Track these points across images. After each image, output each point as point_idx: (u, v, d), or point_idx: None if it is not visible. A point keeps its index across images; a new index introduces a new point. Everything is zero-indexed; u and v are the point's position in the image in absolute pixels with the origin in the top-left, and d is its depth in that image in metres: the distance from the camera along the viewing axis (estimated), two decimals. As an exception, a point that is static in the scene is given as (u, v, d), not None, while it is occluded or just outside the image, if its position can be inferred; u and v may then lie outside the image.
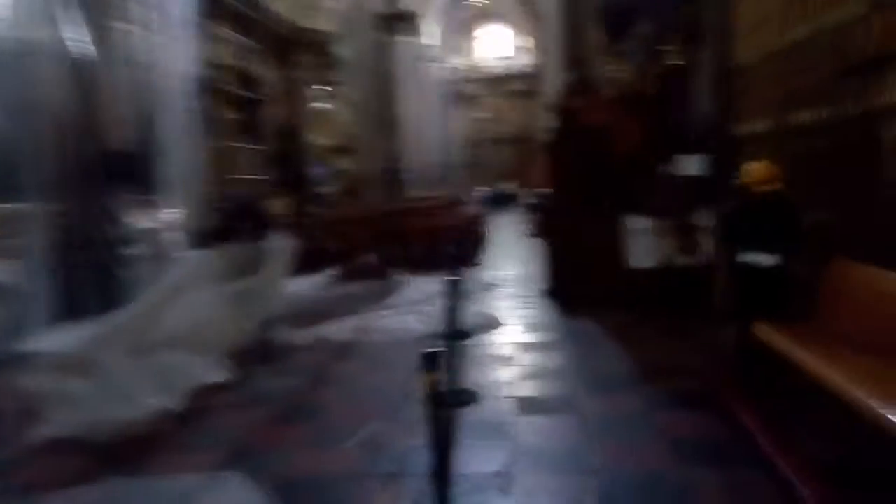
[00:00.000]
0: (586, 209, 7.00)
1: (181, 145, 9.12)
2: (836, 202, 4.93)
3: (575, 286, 7.01)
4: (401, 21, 12.95)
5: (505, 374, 4.84)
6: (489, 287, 8.55)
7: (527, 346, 5.50)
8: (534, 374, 4.76)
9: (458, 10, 33.26)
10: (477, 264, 10.88)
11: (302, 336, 6.13)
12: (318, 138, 21.37)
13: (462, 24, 34.85)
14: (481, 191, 29.52)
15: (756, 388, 3.96)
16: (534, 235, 10.05)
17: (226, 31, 11.29)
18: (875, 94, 4.41)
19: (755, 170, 4.12)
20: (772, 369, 3.79)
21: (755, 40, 6.17)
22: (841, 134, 4.83)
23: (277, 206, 13.64)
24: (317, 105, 19.96)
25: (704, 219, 6.10)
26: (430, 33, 31.74)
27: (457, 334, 6.12)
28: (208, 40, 10.71)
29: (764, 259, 3.86)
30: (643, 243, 6.28)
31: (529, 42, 32.08)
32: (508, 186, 30.85)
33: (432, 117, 31.44)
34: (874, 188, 4.67)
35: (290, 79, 15.72)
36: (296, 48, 15.49)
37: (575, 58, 7.65)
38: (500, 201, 29.79)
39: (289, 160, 15.02)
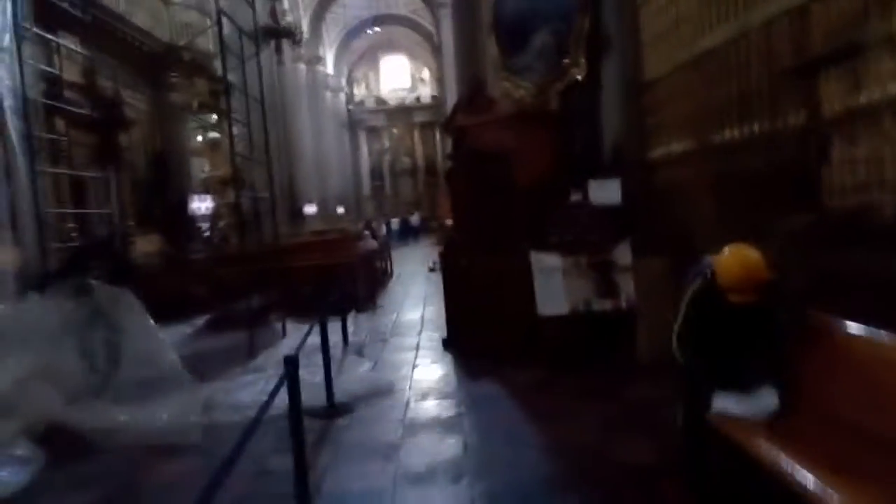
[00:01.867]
0: (486, 245, 5.99)
1: (10, 173, 7.50)
2: (775, 233, 4.16)
3: (476, 337, 5.94)
4: (284, 37, 11.72)
5: (379, 479, 3.56)
6: (384, 337, 7.34)
7: (415, 427, 4.32)
8: (417, 479, 3.52)
9: (358, 39, 32.40)
10: (375, 307, 9.66)
11: (123, 420, 4.65)
12: (205, 168, 19.62)
13: (364, 55, 34.03)
14: (388, 223, 28.51)
15: (710, 489, 2.98)
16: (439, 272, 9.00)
17: (70, 44, 9.63)
18: (819, 100, 3.65)
19: (736, 270, 2.75)
20: (732, 463, 2.81)
21: (666, 49, 5.44)
22: (777, 151, 4.07)
23: (145, 244, 11.88)
24: (202, 132, 18.26)
25: (624, 256, 5.21)
26: (328, 62, 30.65)
27: (332, 410, 4.90)
28: (46, 53, 9.06)
29: (740, 408, 2.82)
30: (553, 285, 5.32)
31: (430, 73, 31.68)
32: (417, 218, 30.02)
33: (332, 148, 30.18)
34: (820, 214, 3.92)
35: (163, 102, 14.01)
36: (169, 68, 13.84)
37: (469, 73, 6.71)
38: (409, 233, 28.83)
39: (161, 192, 13.26)
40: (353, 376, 5.51)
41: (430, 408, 4.68)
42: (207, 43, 14.84)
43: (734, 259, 2.79)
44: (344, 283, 8.88)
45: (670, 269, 5.18)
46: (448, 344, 6.41)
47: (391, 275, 14.12)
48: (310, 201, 24.48)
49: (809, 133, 3.78)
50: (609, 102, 6.20)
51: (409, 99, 33.29)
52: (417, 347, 6.68)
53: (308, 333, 4.37)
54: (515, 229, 5.83)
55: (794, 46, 3.82)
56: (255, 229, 19.86)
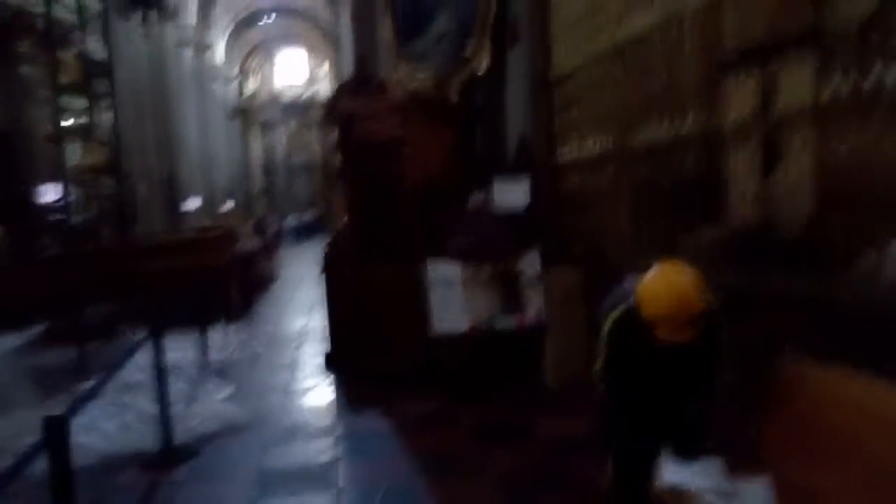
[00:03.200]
0: (375, 251, 5.20)
1: None
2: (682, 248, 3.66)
3: (363, 356, 5.12)
4: (149, 7, 10.34)
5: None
6: (256, 352, 6.33)
7: (273, 481, 3.44)
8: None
9: (253, 30, 30.61)
10: (251, 316, 8.57)
11: None
12: (75, 155, 17.56)
13: (259, 46, 32.23)
14: (282, 221, 26.88)
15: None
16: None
17: None
18: (761, 92, 3.15)
19: (663, 299, 2.13)
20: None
21: (579, 39, 4.89)
22: (707, 154, 3.57)
23: (-24, 238, 10.10)
24: (72, 114, 16.16)
25: (532, 265, 4.59)
26: (219, 51, 28.67)
27: (167, 456, 3.91)
28: None
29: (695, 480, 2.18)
30: (452, 299, 4.61)
31: (329, 69, 30.44)
32: (312, 217, 28.54)
33: (221, 141, 28.23)
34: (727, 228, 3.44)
35: (11, 76, 12.11)
36: (18, 37, 11.96)
37: (359, 55, 5.89)
38: (304, 232, 27.39)
39: (3, 179, 11.40)
40: (206, 407, 4.52)
41: (298, 452, 3.80)
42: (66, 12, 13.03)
43: (660, 284, 2.15)
44: (214, 288, 7.80)
45: (584, 280, 4.64)
46: (331, 363, 5.54)
47: (276, 278, 12.96)
48: (194, 195, 22.58)
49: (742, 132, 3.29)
50: (515, 97, 5.59)
51: (307, 94, 31.80)
52: (294, 367, 5.76)
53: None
54: (409, 234, 5.08)
55: (733, 32, 3.32)
56: (129, 224, 17.95)
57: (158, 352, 3.91)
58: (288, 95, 31.68)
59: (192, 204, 22.45)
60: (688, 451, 2.28)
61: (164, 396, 3.85)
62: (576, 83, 4.91)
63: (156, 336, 3.96)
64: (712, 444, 2.34)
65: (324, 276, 5.57)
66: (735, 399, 2.47)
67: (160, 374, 3.87)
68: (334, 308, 5.54)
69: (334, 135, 6.01)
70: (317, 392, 4.98)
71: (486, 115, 5.63)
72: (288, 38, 32.03)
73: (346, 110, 5.52)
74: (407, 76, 6.38)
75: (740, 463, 2.24)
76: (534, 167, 5.18)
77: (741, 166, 3.23)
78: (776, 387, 2.34)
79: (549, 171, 5.23)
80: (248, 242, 10.92)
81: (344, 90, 5.66)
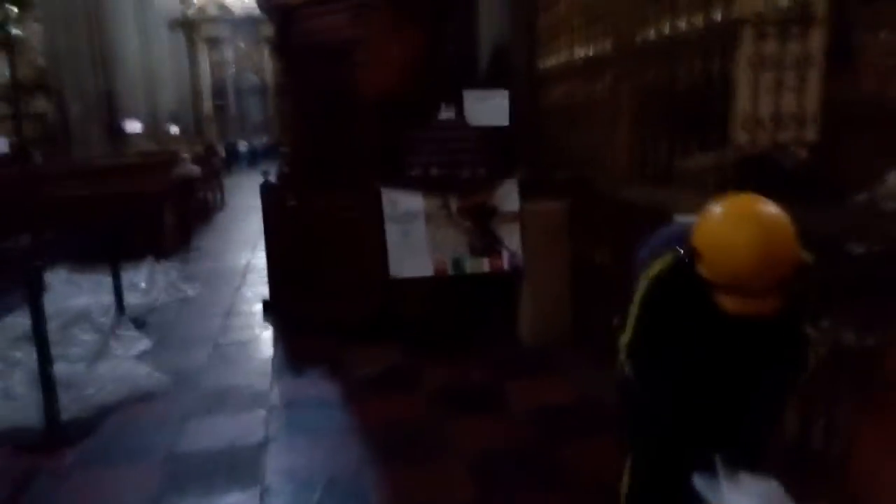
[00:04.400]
0: (322, 178, 4.33)
1: None
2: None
3: (307, 303, 4.34)
4: None
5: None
6: (186, 296, 5.48)
7: (182, 473, 2.70)
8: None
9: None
10: (188, 251, 7.64)
11: None
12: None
13: (204, -49, 29.50)
14: (233, 146, 25.36)
15: None
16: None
17: None
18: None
19: (743, 251, 1.32)
20: None
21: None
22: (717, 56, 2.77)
23: None
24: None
25: (509, 198, 3.80)
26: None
27: (50, 438, 3.10)
28: None
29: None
30: (413, 237, 3.82)
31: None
32: (264, 142, 27.00)
33: (165, 59, 26.14)
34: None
35: None
36: None
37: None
38: (255, 159, 25.93)
39: None
40: (114, 367, 3.70)
41: (222, 428, 3.04)
42: None
43: (736, 227, 1.37)
44: (144, 218, 6.84)
45: (570, 215, 3.90)
46: (270, 311, 4.76)
47: (222, 207, 11.93)
48: (135, 116, 20.88)
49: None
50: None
51: (256, 8, 29.47)
52: (229, 314, 4.96)
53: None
54: (363, 157, 4.22)
55: None
56: (61, 147, 16.42)
57: (35, 295, 3.06)
58: (237, 10, 29.24)
59: (133, 126, 20.80)
60: (742, 468, 1.60)
61: (44, 355, 3.03)
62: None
63: (34, 275, 3.11)
64: (774, 463, 1.66)
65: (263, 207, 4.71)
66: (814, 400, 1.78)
67: (38, 326, 3.03)
68: (274, 245, 4.72)
69: (275, 37, 4.97)
70: (252, 347, 4.21)
71: (458, 16, 4.68)
72: (238, -55, 29.31)
73: (284, 2, 4.50)
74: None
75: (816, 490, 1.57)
76: (512, 76, 4.32)
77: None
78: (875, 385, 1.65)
79: (530, 80, 4.38)
80: (188, 168, 9.80)
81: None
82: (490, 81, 4.28)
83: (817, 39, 2.32)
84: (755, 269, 1.32)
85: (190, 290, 5.53)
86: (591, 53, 3.74)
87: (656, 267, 1.57)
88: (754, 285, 1.34)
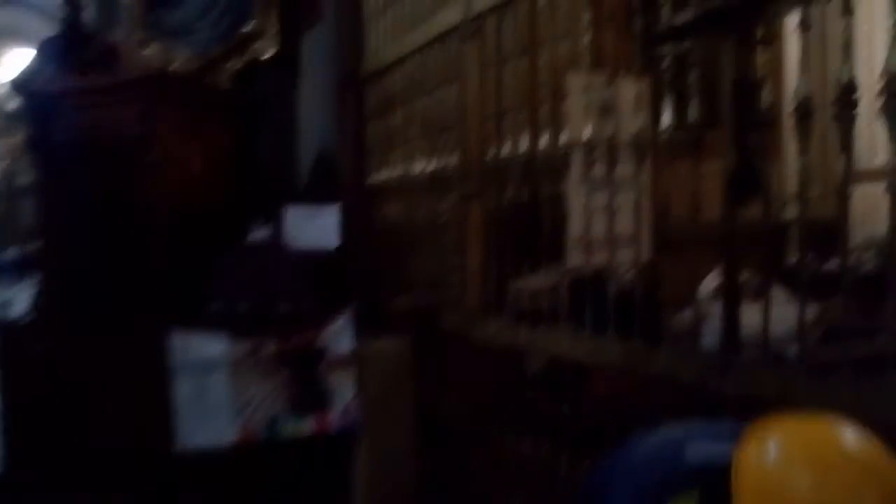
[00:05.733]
0: (86, 317, 3.24)
1: None
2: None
3: (55, 494, 3.10)
4: None
5: None
6: None
7: None
8: None
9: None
10: None
11: None
12: None
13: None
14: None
15: None
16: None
17: None
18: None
19: None
20: None
21: (408, 17, 3.58)
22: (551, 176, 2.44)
23: None
24: None
25: (341, 338, 3.04)
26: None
27: None
28: None
29: None
30: (212, 393, 2.87)
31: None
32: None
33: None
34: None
35: None
36: None
37: (71, 3, 3.87)
38: (26, 270, 22.19)
39: None
40: None
41: None
42: None
43: (806, 477, 0.81)
44: None
45: (415, 357, 3.25)
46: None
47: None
48: None
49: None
50: (314, 94, 4.09)
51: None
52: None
53: None
54: (146, 287, 3.23)
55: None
56: None
57: None
58: (9, 98, 26.00)
59: None
60: None
61: None
62: (401, 77, 3.57)
63: None
64: None
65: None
66: None
67: None
68: (18, 404, 3.43)
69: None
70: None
71: (272, 116, 4.02)
72: (17, 36, 26.49)
73: (47, 88, 3.51)
74: (158, 59, 4.50)
75: None
76: (340, 190, 3.70)
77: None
78: None
79: (361, 195, 3.79)
80: None
81: (46, 56, 3.60)
82: (314, 195, 3.60)
83: (646, 164, 2.31)
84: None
85: None
86: (434, 168, 3.26)
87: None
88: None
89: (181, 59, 4.54)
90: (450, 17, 3.15)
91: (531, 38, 2.77)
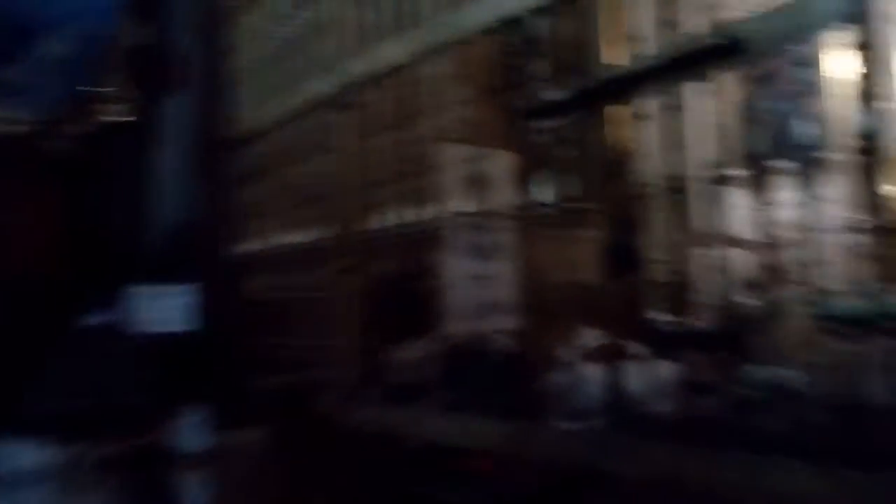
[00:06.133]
0: None
1: None
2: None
3: None
4: None
5: None
6: None
7: None
8: None
9: None
10: None
11: None
12: None
13: None
14: None
15: None
16: None
17: None
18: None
19: None
20: None
21: (278, 82, 3.42)
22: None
23: None
24: None
25: (193, 434, 2.65)
26: None
27: None
28: None
29: None
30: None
31: None
32: None
33: None
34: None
35: None
36: None
37: None
38: None
39: None
40: None
41: None
42: None
43: None
44: None
45: (282, 449, 2.90)
46: None
47: None
48: None
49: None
50: (173, 161, 3.77)
51: None
52: None
53: None
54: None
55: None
56: None
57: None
58: None
59: None
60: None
61: None
62: (273, 145, 3.37)
63: None
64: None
65: None
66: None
67: None
68: None
69: None
70: None
71: (122, 184, 3.64)
72: None
73: None
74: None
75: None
76: (204, 265, 3.36)
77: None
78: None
79: (226, 268, 3.46)
80: None
81: None
82: (169, 270, 3.24)
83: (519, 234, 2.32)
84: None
85: None
86: (309, 240, 3.04)
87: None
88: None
89: (16, 117, 4.07)
90: (322, 86, 3.04)
91: (406, 110, 2.70)
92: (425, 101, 2.58)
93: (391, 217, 2.62)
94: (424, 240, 2.50)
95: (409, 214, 2.55)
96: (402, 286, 2.68)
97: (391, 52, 2.68)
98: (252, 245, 3.46)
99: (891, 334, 1.58)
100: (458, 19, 2.39)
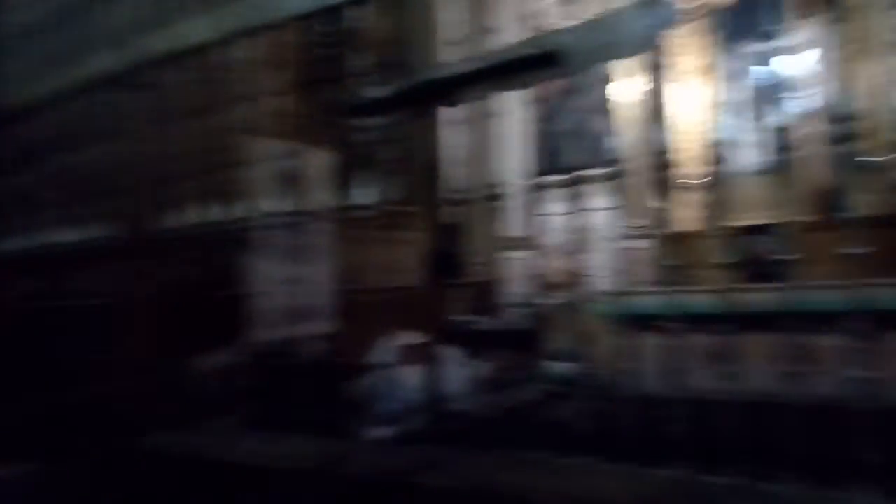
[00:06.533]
0: None
1: None
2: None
3: None
4: None
5: None
6: None
7: None
8: None
9: None
10: None
11: None
12: None
13: None
14: None
15: None
16: None
17: None
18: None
19: None
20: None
21: (57, 50, 2.92)
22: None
23: None
24: None
25: None
26: None
27: None
28: None
29: None
30: None
31: None
32: None
33: None
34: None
35: None
36: None
37: None
38: None
39: None
40: None
41: None
42: None
43: None
44: None
45: (56, 483, 2.47)
46: None
47: None
48: None
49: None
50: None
51: None
52: None
53: None
54: None
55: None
56: None
57: None
58: None
59: None
60: None
61: None
62: (45, 125, 2.87)
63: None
64: None
65: None
66: None
67: None
68: None
69: None
70: None
71: None
72: None
73: None
74: None
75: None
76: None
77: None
78: None
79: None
80: None
81: None
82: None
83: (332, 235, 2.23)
84: None
85: None
86: (87, 238, 2.63)
87: None
88: None
89: None
90: (110, 60, 2.64)
91: (211, 96, 2.44)
92: (234, 88, 2.35)
93: (192, 215, 2.35)
94: (231, 241, 2.28)
95: (214, 213, 2.30)
96: (204, 291, 2.43)
97: (196, 29, 2.40)
98: (14, 244, 2.91)
99: (676, 331, 1.73)
100: (272, 1, 2.20)
